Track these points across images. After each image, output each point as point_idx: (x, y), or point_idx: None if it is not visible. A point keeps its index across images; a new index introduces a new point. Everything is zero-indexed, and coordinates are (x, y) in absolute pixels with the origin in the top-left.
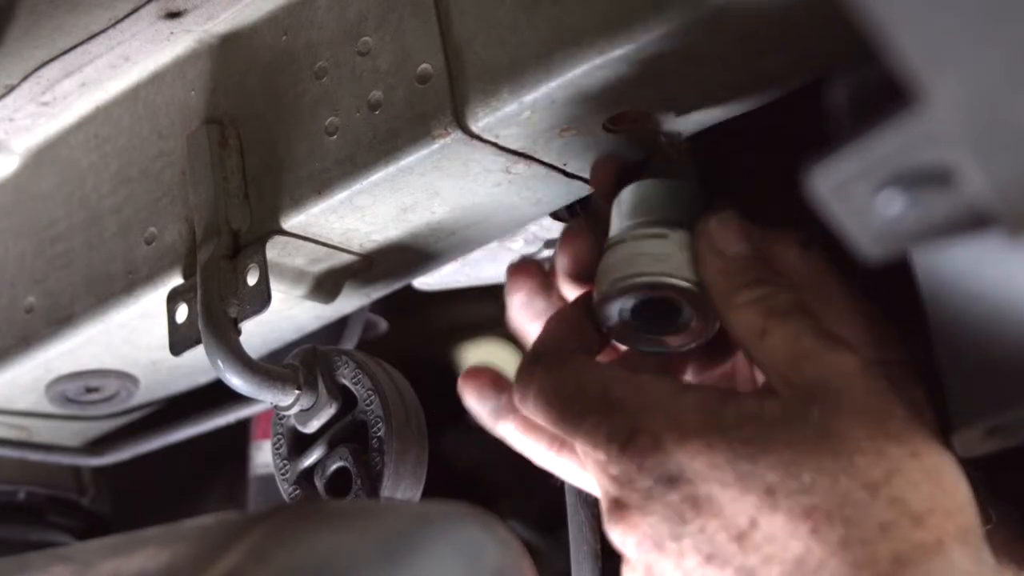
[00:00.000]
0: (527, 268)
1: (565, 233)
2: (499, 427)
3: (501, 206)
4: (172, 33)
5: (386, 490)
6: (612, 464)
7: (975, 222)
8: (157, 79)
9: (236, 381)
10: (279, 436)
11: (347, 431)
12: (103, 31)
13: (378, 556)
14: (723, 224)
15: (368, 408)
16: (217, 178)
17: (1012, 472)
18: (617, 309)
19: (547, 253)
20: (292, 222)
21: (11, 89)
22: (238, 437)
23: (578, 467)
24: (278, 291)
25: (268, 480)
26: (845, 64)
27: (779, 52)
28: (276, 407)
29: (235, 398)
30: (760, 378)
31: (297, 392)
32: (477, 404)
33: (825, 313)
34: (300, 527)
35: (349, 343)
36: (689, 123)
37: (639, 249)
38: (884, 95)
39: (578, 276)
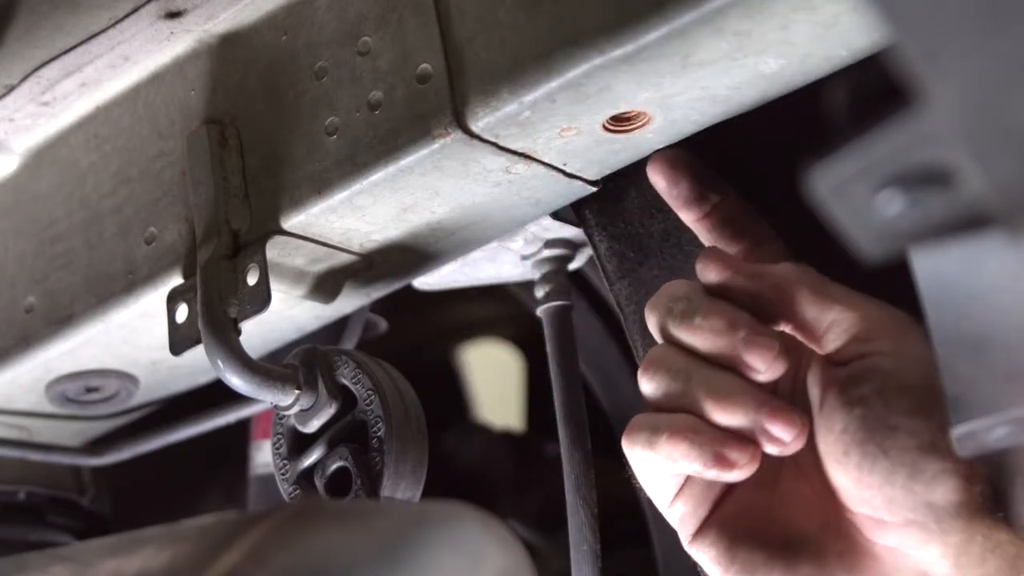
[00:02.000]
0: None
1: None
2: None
3: (501, 206)
4: (172, 33)
5: (386, 490)
6: None
7: (975, 222)
8: (157, 79)
9: (236, 381)
10: (279, 436)
11: (347, 431)
12: (103, 31)
13: (378, 556)
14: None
15: (368, 408)
16: (217, 178)
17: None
18: None
19: (547, 253)
20: (292, 222)
21: (11, 89)
22: (238, 437)
23: None
24: (278, 291)
25: (268, 480)
26: (845, 64)
27: (779, 52)
28: (276, 407)
29: (235, 398)
30: None
31: (297, 392)
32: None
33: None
34: (300, 527)
35: (349, 343)
36: (688, 123)
37: None
38: (884, 95)
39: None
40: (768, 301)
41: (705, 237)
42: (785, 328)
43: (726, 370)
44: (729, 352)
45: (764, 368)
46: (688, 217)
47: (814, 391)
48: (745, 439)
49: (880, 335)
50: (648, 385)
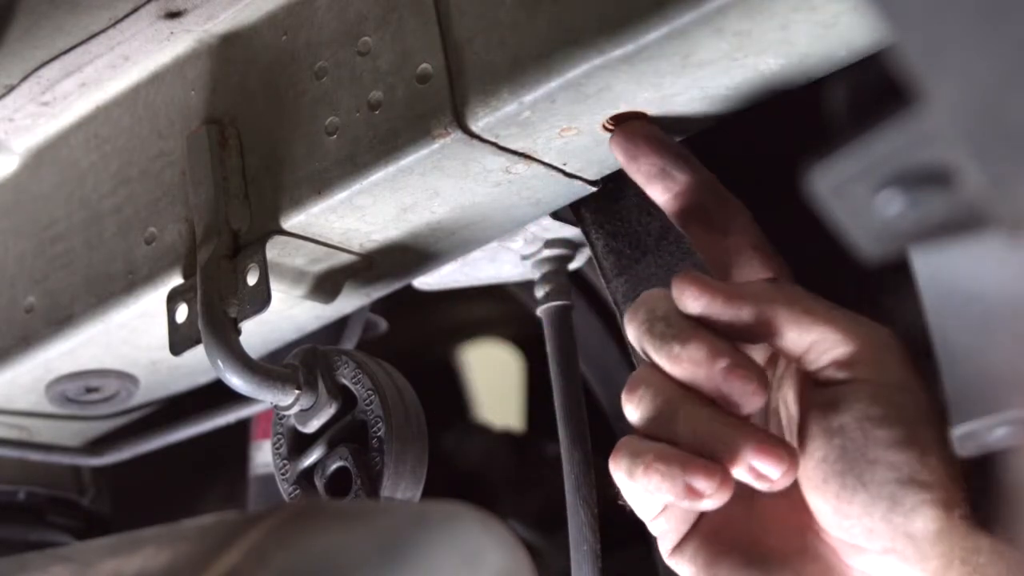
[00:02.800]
0: None
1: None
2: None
3: (501, 206)
4: (172, 33)
5: (386, 490)
6: None
7: (975, 222)
8: (157, 79)
9: (236, 381)
10: (279, 436)
11: (347, 431)
12: (103, 31)
13: (378, 556)
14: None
15: (368, 408)
16: (217, 178)
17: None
18: None
19: (547, 253)
20: (292, 222)
21: (11, 89)
22: (238, 437)
23: None
24: (278, 291)
25: (268, 480)
26: (845, 64)
27: (779, 52)
28: (276, 407)
29: (235, 398)
30: None
31: (297, 392)
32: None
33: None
34: (300, 527)
35: (349, 343)
36: (688, 124)
37: None
38: (884, 95)
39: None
40: (747, 324)
41: (675, 221)
42: (766, 348)
43: (708, 401)
44: (708, 384)
45: (743, 403)
46: (653, 194)
47: (791, 410)
48: (714, 466)
49: (861, 359)
50: (634, 412)
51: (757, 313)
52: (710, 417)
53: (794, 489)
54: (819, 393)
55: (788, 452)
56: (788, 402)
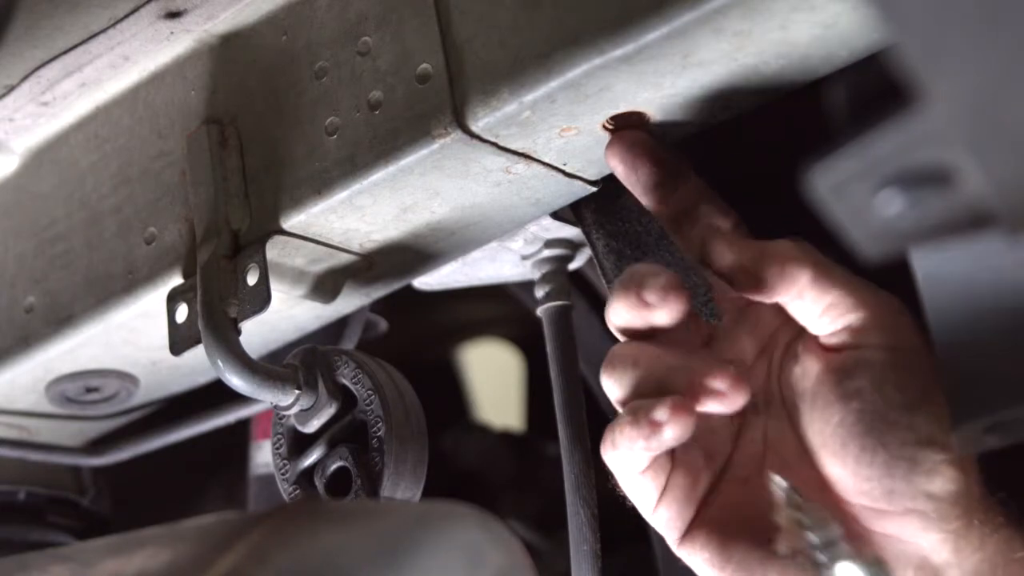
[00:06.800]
0: None
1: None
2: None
3: (501, 206)
4: (172, 33)
5: (386, 490)
6: None
7: (975, 222)
8: (157, 79)
9: (236, 381)
10: (279, 436)
11: (347, 431)
12: (103, 31)
13: (378, 556)
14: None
15: (368, 408)
16: (217, 178)
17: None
18: None
19: (547, 253)
20: (292, 222)
21: (11, 89)
22: (238, 437)
23: None
24: (278, 291)
25: (268, 480)
26: (845, 64)
27: (779, 52)
28: (276, 407)
29: (235, 398)
30: None
31: (297, 392)
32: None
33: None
34: (300, 527)
35: (349, 343)
36: (688, 124)
37: None
38: (884, 95)
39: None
40: (770, 279)
41: (669, 228)
42: (781, 304)
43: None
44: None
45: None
46: (649, 203)
47: (804, 382)
48: (665, 397)
49: (875, 326)
50: (615, 389)
51: (781, 269)
52: (677, 365)
53: (801, 463)
54: (833, 359)
55: (735, 371)
56: (801, 377)
